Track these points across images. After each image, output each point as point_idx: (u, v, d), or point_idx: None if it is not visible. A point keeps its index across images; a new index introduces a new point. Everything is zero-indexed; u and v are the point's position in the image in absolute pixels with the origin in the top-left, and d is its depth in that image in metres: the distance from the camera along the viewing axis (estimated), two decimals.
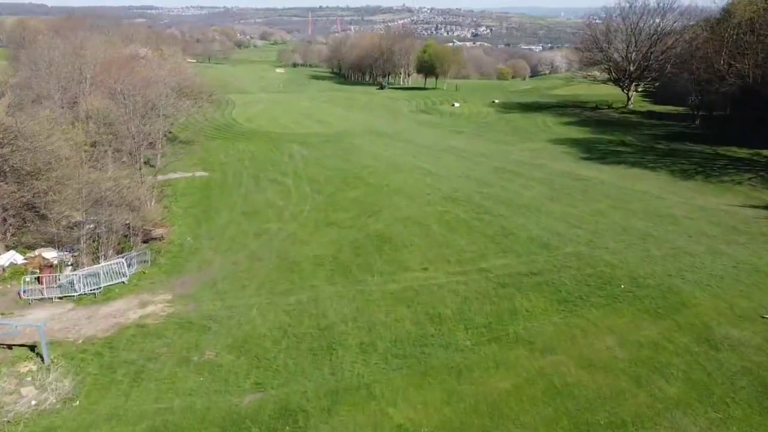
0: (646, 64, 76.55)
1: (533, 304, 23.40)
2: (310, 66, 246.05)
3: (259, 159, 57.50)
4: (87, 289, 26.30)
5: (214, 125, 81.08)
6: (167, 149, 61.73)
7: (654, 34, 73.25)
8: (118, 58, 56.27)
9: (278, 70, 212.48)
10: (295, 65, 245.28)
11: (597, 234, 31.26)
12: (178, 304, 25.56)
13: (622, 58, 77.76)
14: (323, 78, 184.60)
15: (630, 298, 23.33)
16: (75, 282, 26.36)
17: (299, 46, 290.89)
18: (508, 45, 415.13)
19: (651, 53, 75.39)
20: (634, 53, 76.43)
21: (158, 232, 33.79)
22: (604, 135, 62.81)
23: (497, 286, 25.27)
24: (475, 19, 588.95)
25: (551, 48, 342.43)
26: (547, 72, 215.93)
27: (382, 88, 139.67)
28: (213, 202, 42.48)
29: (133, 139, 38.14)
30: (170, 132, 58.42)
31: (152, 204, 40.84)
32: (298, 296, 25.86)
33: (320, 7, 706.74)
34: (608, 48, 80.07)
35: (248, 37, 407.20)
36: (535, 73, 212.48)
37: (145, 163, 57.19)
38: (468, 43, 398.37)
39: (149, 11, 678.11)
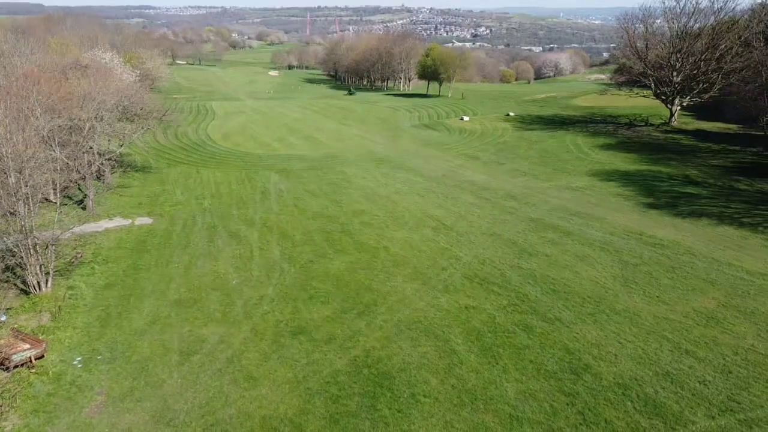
0: (694, 73, 63.80)
1: None
2: (306, 68, 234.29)
3: (223, 197, 45.18)
4: None
5: (184, 144, 68.93)
6: (111, 180, 49.89)
7: (711, 38, 60.11)
8: (34, 69, 43.62)
9: (271, 73, 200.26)
10: (290, 67, 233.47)
11: (736, 383, 18.86)
12: None
13: (666, 66, 64.98)
14: (318, 82, 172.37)
15: None
16: None
17: (295, 47, 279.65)
18: (508, 45, 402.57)
19: (702, 61, 62.63)
20: (680, 61, 63.59)
21: (24, 354, 21.30)
22: (659, 167, 50.02)
23: None
24: (474, 20, 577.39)
25: (551, 49, 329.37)
26: (552, 75, 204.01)
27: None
28: (141, 277, 30.02)
29: (12, 196, 25.59)
30: (113, 160, 46.12)
31: (49, 285, 28.54)
32: None
33: (319, 7, 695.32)
34: (647, 55, 67.28)
35: (246, 37, 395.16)
36: (539, 76, 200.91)
37: (78, 203, 45.37)
38: (468, 44, 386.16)
39: (147, 11, 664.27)
